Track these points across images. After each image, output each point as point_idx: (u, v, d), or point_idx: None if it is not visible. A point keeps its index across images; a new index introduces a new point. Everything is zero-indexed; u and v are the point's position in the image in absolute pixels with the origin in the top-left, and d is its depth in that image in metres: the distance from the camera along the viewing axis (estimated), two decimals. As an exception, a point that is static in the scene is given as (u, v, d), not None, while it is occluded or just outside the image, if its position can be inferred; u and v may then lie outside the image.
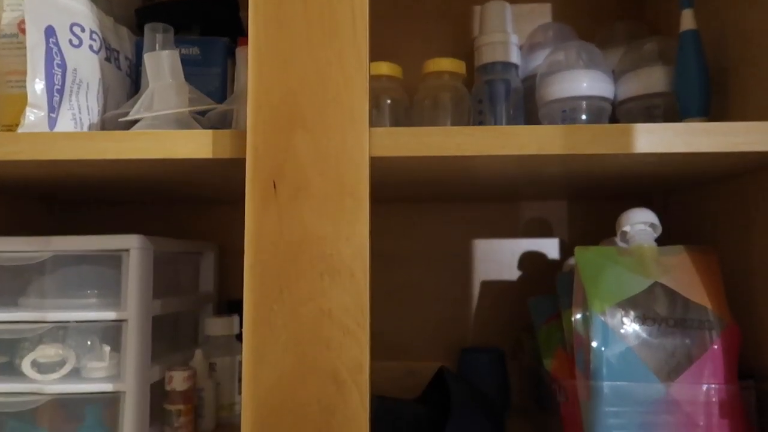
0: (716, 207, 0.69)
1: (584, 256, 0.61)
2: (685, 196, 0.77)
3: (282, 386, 0.48)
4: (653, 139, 0.51)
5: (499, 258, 0.88)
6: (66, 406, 0.62)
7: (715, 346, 0.56)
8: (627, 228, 0.63)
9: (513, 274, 0.88)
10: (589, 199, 0.87)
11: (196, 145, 0.52)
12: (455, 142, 0.51)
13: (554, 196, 0.84)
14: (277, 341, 0.48)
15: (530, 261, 0.88)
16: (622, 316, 0.57)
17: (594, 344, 0.56)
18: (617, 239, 0.64)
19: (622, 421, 0.55)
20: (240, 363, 0.75)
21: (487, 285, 0.88)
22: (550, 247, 0.88)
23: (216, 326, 0.75)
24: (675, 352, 0.56)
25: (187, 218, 0.92)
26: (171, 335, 0.74)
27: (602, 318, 0.57)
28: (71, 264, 0.64)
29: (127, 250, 0.61)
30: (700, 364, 0.56)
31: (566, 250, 0.87)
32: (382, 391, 0.84)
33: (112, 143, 0.53)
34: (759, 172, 0.60)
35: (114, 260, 0.62)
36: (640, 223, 0.62)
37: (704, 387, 0.55)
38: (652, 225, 0.63)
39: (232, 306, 0.84)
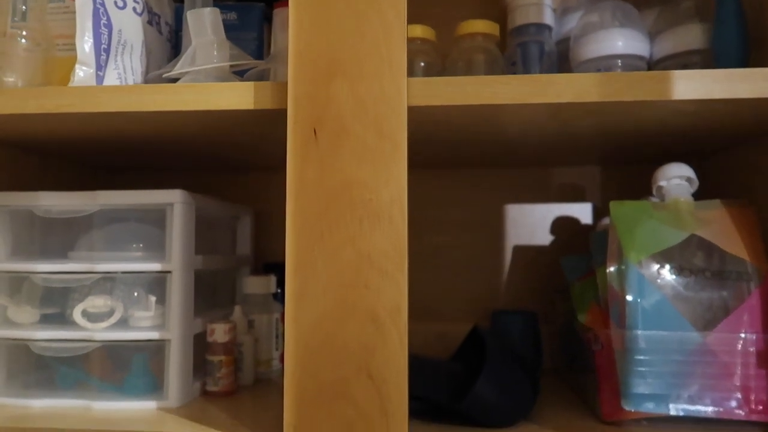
0: (753, 167, 0.68)
1: (619, 210, 0.61)
2: (721, 158, 0.76)
3: (323, 327, 0.49)
4: (691, 85, 0.51)
5: (531, 223, 0.89)
6: (114, 354, 0.65)
7: (753, 298, 0.56)
8: (663, 183, 0.63)
9: (545, 238, 0.88)
10: (622, 164, 0.87)
11: (238, 96, 0.54)
12: (491, 90, 0.52)
13: (587, 160, 0.84)
14: (318, 283, 0.50)
15: (562, 226, 0.88)
16: (657, 268, 0.57)
17: (629, 295, 0.56)
18: (653, 194, 0.64)
19: (657, 370, 0.55)
20: (277, 321, 0.77)
21: (519, 250, 0.89)
22: (582, 212, 0.88)
23: (254, 285, 0.77)
24: (711, 304, 0.56)
25: (225, 185, 0.94)
26: (211, 293, 0.77)
27: (638, 269, 0.57)
28: (118, 219, 0.66)
29: (171, 204, 0.64)
30: (737, 314, 0.56)
31: (599, 215, 0.87)
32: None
33: (157, 96, 0.55)
34: (799, 124, 0.59)
35: (158, 216, 0.65)
36: (676, 178, 0.62)
37: (741, 336, 0.55)
38: (688, 179, 0.62)
39: (269, 268, 0.86)
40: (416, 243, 0.90)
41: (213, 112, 0.55)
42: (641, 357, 0.55)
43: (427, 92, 0.52)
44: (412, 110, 0.52)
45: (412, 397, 0.58)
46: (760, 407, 0.54)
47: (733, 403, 0.54)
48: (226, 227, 0.85)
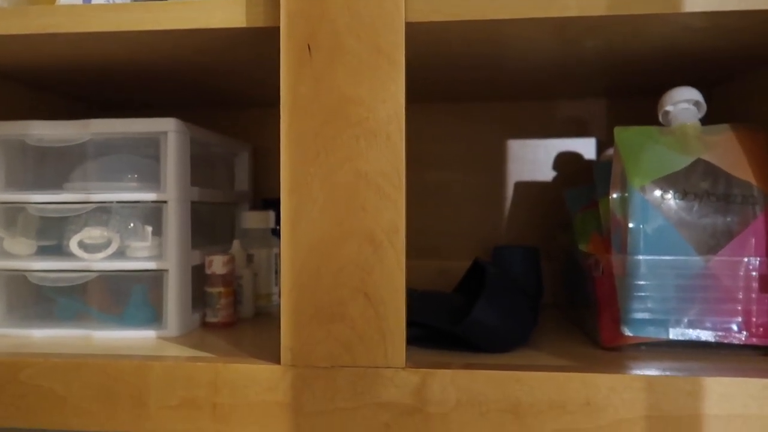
0: (760, 93, 0.66)
1: (624, 135, 0.59)
2: (731, 86, 0.74)
3: (320, 248, 0.49)
4: (703, -4, 0.48)
5: (533, 158, 0.87)
6: (113, 285, 0.65)
7: (758, 221, 0.55)
8: (669, 107, 0.61)
9: (548, 174, 0.87)
10: (628, 97, 0.84)
11: (230, 13, 0.52)
12: (494, 5, 0.49)
13: (592, 92, 0.82)
14: (315, 204, 0.49)
15: (566, 161, 0.86)
16: (661, 193, 0.56)
17: (632, 220, 0.55)
18: (660, 121, 0.62)
19: (657, 295, 0.54)
20: (276, 256, 0.76)
21: (521, 186, 0.87)
22: (586, 147, 0.86)
23: (252, 219, 0.76)
24: (716, 228, 0.55)
25: (223, 122, 0.92)
26: (210, 228, 0.76)
27: (641, 194, 0.56)
28: (112, 150, 0.65)
29: (164, 133, 0.62)
30: (741, 238, 0.55)
31: (603, 150, 0.86)
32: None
33: (146, 14, 0.53)
34: (814, 44, 0.57)
35: (153, 147, 0.63)
36: (683, 102, 0.60)
37: (744, 260, 0.54)
38: (696, 103, 0.60)
39: (267, 204, 0.86)
40: (417, 179, 0.89)
41: (204, 31, 0.53)
42: (642, 282, 0.54)
43: (426, 7, 0.50)
44: (410, 27, 0.50)
45: (412, 323, 0.58)
46: (761, 330, 0.54)
47: (734, 327, 0.54)
48: (224, 163, 0.84)
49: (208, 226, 0.76)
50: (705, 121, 0.61)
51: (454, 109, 0.88)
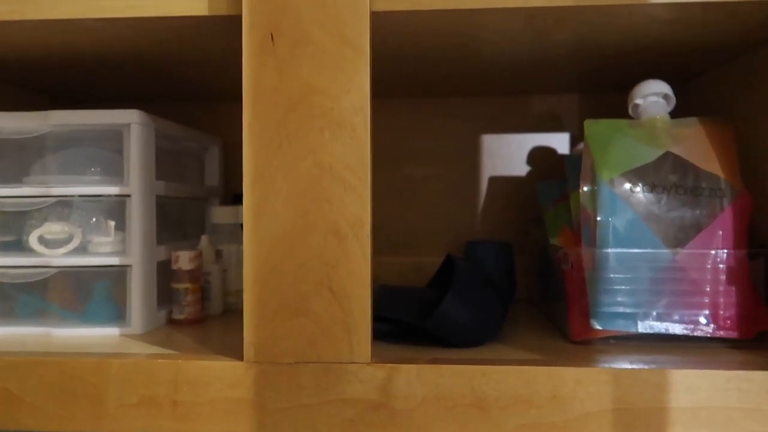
0: (731, 88, 0.67)
1: (593, 129, 0.59)
2: (702, 81, 0.74)
3: (283, 242, 0.48)
4: (669, -13, 0.48)
5: (507, 153, 0.87)
6: (75, 281, 0.63)
7: (726, 214, 0.55)
8: (639, 101, 0.61)
9: (522, 169, 0.87)
10: (601, 92, 0.84)
11: (192, 1, 0.50)
12: (460, -6, 0.49)
13: (565, 87, 0.82)
14: (278, 197, 0.47)
15: (540, 156, 0.86)
16: (630, 185, 0.56)
17: (601, 213, 0.55)
18: (630, 113, 0.62)
19: (626, 288, 0.54)
20: (246, 251, 0.75)
21: (495, 181, 0.87)
22: (560, 142, 0.86)
23: (222, 214, 0.75)
24: (684, 221, 0.55)
25: (192, 116, 0.91)
26: (178, 224, 0.75)
27: (610, 187, 0.55)
28: (74, 143, 0.63)
29: (127, 125, 0.61)
30: (709, 231, 0.55)
31: (576, 144, 0.85)
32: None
33: (110, 1, 0.51)
34: (781, 37, 0.57)
35: (116, 139, 0.62)
36: (652, 95, 0.60)
37: (712, 253, 0.54)
38: (665, 96, 0.60)
39: (238, 199, 0.84)
40: (391, 175, 0.88)
41: (165, 19, 0.52)
42: (611, 275, 0.54)
43: (392, -5, 0.49)
44: (376, 16, 0.49)
45: (380, 318, 0.57)
46: (728, 323, 0.54)
47: (702, 320, 0.54)
48: (194, 158, 0.83)
49: (177, 221, 0.74)
50: (679, 116, 0.61)
51: (428, 105, 0.87)
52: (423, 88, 0.82)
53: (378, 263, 0.87)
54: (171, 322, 0.66)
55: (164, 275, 0.66)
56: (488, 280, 0.60)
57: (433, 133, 0.88)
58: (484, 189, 0.87)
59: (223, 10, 0.50)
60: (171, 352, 0.52)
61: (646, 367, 0.46)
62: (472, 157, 0.87)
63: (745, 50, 0.63)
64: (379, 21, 0.50)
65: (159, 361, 0.48)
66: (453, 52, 0.63)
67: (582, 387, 0.46)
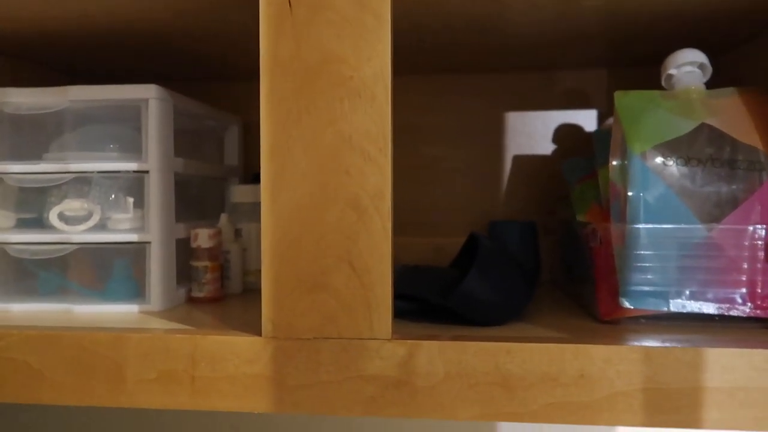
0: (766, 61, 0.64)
1: (624, 100, 0.57)
2: (735, 53, 0.71)
3: (302, 215, 0.46)
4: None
5: (531, 131, 0.84)
6: (95, 259, 0.63)
7: (765, 188, 0.52)
8: (673, 71, 0.58)
9: (547, 147, 0.84)
10: (630, 66, 0.81)
11: (208, -32, 0.49)
12: (485, -43, 0.47)
13: (592, 60, 0.79)
14: (297, 168, 0.46)
15: (566, 133, 0.84)
16: (663, 159, 0.53)
17: (631, 187, 0.53)
18: (663, 85, 0.60)
19: (658, 265, 0.52)
20: (266, 230, 0.74)
21: (519, 159, 0.85)
22: (587, 119, 0.83)
23: (242, 193, 0.74)
24: (720, 195, 0.52)
25: (212, 96, 0.90)
26: (199, 203, 0.74)
27: (641, 160, 0.53)
28: (92, 119, 0.63)
29: (145, 101, 0.60)
30: (746, 206, 0.52)
31: (605, 121, 0.83)
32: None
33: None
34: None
35: (134, 116, 0.61)
36: (687, 64, 0.57)
37: (750, 229, 0.51)
38: (701, 66, 0.58)
39: (257, 179, 0.83)
40: (412, 154, 0.87)
41: (181, -12, 0.51)
42: (642, 252, 0.52)
43: (414, -40, 0.47)
44: (397, -18, 0.48)
45: (401, 296, 0.56)
46: (766, 303, 0.51)
47: (738, 299, 0.52)
48: (214, 137, 0.82)
49: (197, 200, 0.73)
50: (716, 86, 0.58)
51: (450, 81, 0.85)
52: (444, 62, 0.79)
53: (398, 244, 0.86)
54: (191, 300, 0.66)
55: (184, 253, 0.65)
56: (512, 259, 0.58)
57: (455, 111, 0.86)
58: (507, 168, 0.85)
59: (239, -23, 0.49)
60: (189, 327, 0.51)
61: (679, 345, 0.44)
62: (495, 135, 0.85)
63: (786, 17, 0.60)
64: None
65: (177, 336, 0.48)
66: (478, 21, 0.61)
67: (611, 365, 0.44)
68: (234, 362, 0.47)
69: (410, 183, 0.87)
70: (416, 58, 0.76)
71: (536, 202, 0.84)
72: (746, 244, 0.51)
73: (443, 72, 0.85)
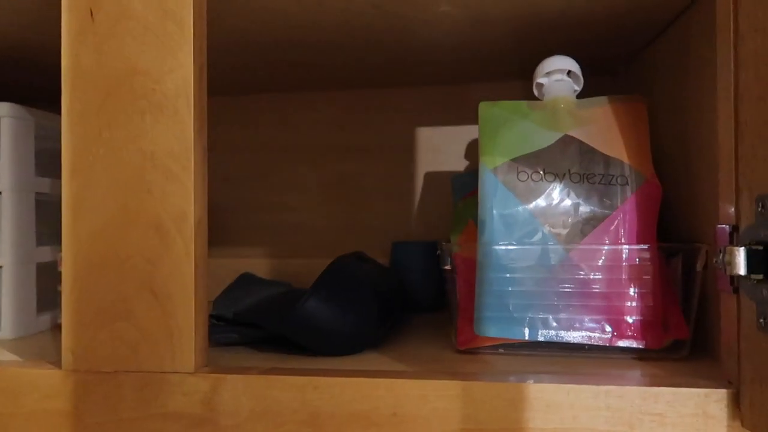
0: (664, 67, 0.59)
1: (488, 112, 0.53)
2: (643, 61, 0.67)
3: (103, 238, 0.43)
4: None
5: (446, 148, 0.81)
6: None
7: (629, 205, 0.48)
8: (542, 80, 0.54)
9: (461, 164, 0.80)
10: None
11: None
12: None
13: (506, 72, 0.75)
14: (98, 188, 0.43)
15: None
16: (517, 173, 0.49)
17: (483, 205, 0.49)
18: (534, 93, 0.56)
19: (514, 289, 0.48)
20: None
21: (432, 176, 0.81)
22: (500, 133, 0.79)
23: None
24: (581, 212, 0.48)
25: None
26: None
27: (494, 175, 0.49)
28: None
29: (-2, 119, 0.57)
30: (608, 223, 0.48)
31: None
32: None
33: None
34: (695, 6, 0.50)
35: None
36: (556, 72, 0.54)
37: (611, 249, 0.47)
38: (570, 73, 0.54)
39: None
40: (319, 171, 0.83)
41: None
42: (495, 275, 0.48)
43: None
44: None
45: (237, 323, 0.52)
46: (633, 331, 0.46)
47: (602, 327, 0.47)
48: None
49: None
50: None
51: (360, 95, 0.82)
52: (348, 78, 0.76)
53: (306, 266, 0.82)
54: (58, 326, 0.63)
55: (51, 278, 0.62)
56: (372, 283, 0.54)
57: (365, 126, 0.82)
58: (420, 186, 0.81)
59: (51, -13, 0.47)
60: (15, 359, 0.48)
61: (502, 379, 0.39)
62: (409, 151, 0.81)
63: (671, 19, 0.55)
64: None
65: (-21, 368, 0.44)
66: (382, 40, 0.57)
67: (427, 403, 0.39)
68: (33, 397, 0.43)
69: (318, 203, 0.83)
70: (320, 75, 0.73)
71: (451, 220, 0.80)
72: (608, 265, 0.47)
73: (350, 87, 0.81)
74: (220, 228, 0.87)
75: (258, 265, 0.85)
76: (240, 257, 0.86)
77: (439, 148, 0.81)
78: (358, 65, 0.70)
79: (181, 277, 0.42)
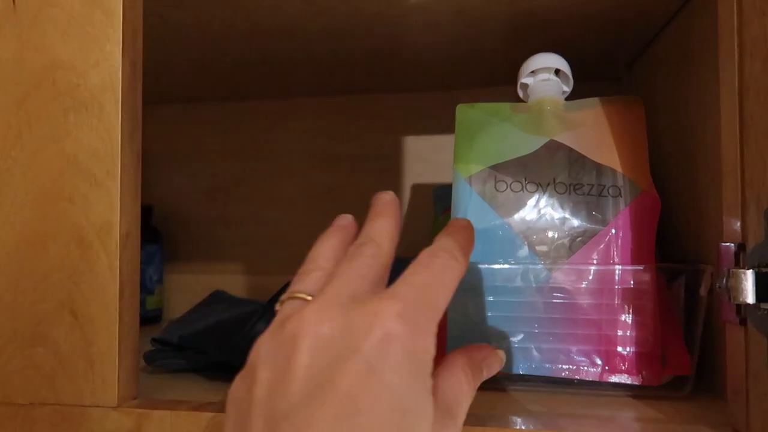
0: (661, 62, 0.54)
1: (466, 115, 0.48)
2: (648, 66, 0.61)
3: (21, 251, 0.38)
4: None
5: (434, 158, 0.75)
6: None
7: (621, 218, 0.42)
8: (527, 80, 0.49)
9: (449, 176, 0.75)
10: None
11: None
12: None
13: (499, 76, 0.70)
14: (16, 195, 0.38)
15: (469, 158, 0.74)
16: (495, 183, 0.44)
17: (457, 216, 0.43)
18: (519, 94, 0.50)
19: (492, 314, 0.42)
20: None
21: (420, 188, 0.75)
22: (492, 142, 0.74)
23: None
24: (567, 227, 0.42)
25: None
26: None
27: (468, 184, 0.44)
28: None
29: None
30: (598, 240, 0.42)
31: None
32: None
33: None
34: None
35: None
36: (542, 71, 0.48)
37: (600, 269, 0.41)
38: (557, 72, 0.48)
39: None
40: (304, 182, 0.78)
41: None
42: (474, 300, 0.42)
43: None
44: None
45: (183, 348, 0.47)
46: (625, 364, 0.40)
47: (590, 359, 0.41)
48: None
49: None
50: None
51: (347, 103, 0.77)
52: (332, 83, 0.72)
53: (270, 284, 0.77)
54: None
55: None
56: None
57: (348, 135, 0.77)
58: (407, 198, 0.76)
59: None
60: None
61: (476, 423, 0.34)
62: (396, 161, 0.76)
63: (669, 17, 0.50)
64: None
65: None
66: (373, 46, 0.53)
67: None
68: (-61, 432, 0.38)
69: (302, 215, 0.78)
70: (300, 81, 0.69)
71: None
72: (598, 288, 0.41)
73: (336, 93, 0.77)
74: (198, 241, 0.82)
75: (236, 282, 0.80)
76: (218, 273, 0.81)
77: (428, 159, 0.75)
78: (333, 60, 0.64)
79: (104, 297, 0.37)
